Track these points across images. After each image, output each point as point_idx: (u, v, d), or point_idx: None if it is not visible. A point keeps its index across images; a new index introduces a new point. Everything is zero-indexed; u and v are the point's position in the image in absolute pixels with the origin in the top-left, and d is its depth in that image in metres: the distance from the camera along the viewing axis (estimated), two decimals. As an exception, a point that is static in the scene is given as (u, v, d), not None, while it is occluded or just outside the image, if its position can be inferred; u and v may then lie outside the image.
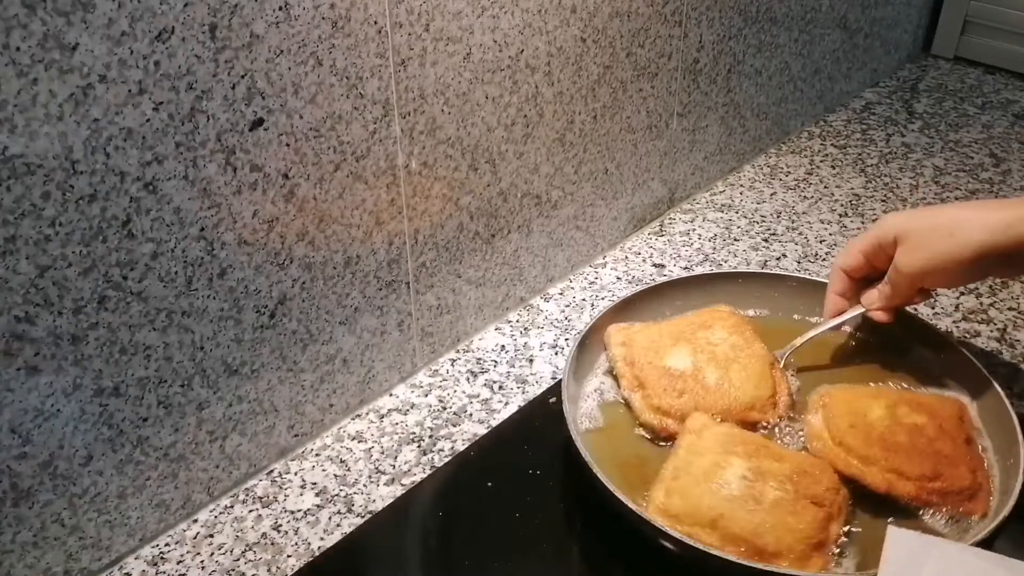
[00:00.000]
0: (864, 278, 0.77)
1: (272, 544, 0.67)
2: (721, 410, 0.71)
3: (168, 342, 0.62)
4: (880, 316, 0.75)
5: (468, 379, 0.82)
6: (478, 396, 0.81)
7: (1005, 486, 0.66)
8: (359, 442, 0.76)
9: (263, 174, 0.62)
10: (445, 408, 0.79)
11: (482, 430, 0.77)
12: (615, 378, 0.76)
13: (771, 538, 0.60)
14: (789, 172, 1.17)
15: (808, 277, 0.87)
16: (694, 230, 1.05)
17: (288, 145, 0.63)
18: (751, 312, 0.84)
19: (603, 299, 0.93)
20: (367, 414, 0.79)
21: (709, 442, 0.67)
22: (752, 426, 0.72)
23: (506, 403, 0.80)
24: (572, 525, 0.69)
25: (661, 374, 0.73)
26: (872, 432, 0.68)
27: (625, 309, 0.81)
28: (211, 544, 0.67)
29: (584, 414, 0.74)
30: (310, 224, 0.67)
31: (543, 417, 0.77)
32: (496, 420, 0.78)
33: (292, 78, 0.61)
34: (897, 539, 0.59)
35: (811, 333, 0.78)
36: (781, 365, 0.77)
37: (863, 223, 1.06)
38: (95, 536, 0.63)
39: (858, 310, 0.77)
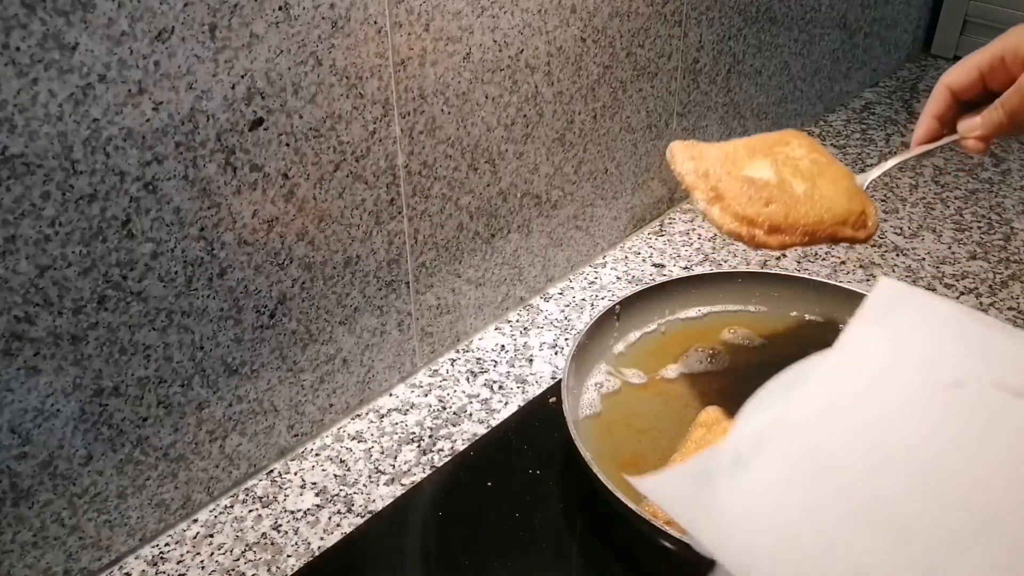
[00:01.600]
0: (969, 101, 0.67)
1: (272, 544, 0.67)
2: (813, 222, 0.65)
3: (168, 342, 0.62)
4: (977, 146, 0.67)
5: (468, 379, 0.82)
6: (478, 396, 0.81)
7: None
8: (359, 442, 0.76)
9: (263, 174, 0.62)
10: (445, 408, 0.79)
11: (482, 430, 0.77)
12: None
13: None
14: (789, 172, 1.17)
15: (808, 277, 0.87)
16: (694, 230, 1.05)
17: (288, 145, 0.63)
18: (751, 309, 0.85)
19: (603, 299, 0.93)
20: (367, 414, 0.79)
21: (718, 437, 0.67)
22: (842, 243, 0.69)
23: (506, 403, 0.80)
24: (572, 525, 0.69)
25: (742, 183, 0.65)
26: None
27: (625, 309, 0.81)
28: (211, 544, 0.67)
29: (584, 404, 0.74)
30: (310, 224, 0.67)
31: (543, 417, 0.77)
32: (496, 420, 0.78)
33: (292, 78, 0.61)
34: (885, 285, 0.60)
35: (896, 159, 0.73)
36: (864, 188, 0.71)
37: (863, 223, 1.06)
38: (95, 536, 0.63)
39: (950, 138, 0.69)
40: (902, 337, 0.60)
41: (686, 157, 0.68)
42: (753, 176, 0.66)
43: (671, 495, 0.54)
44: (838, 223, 0.66)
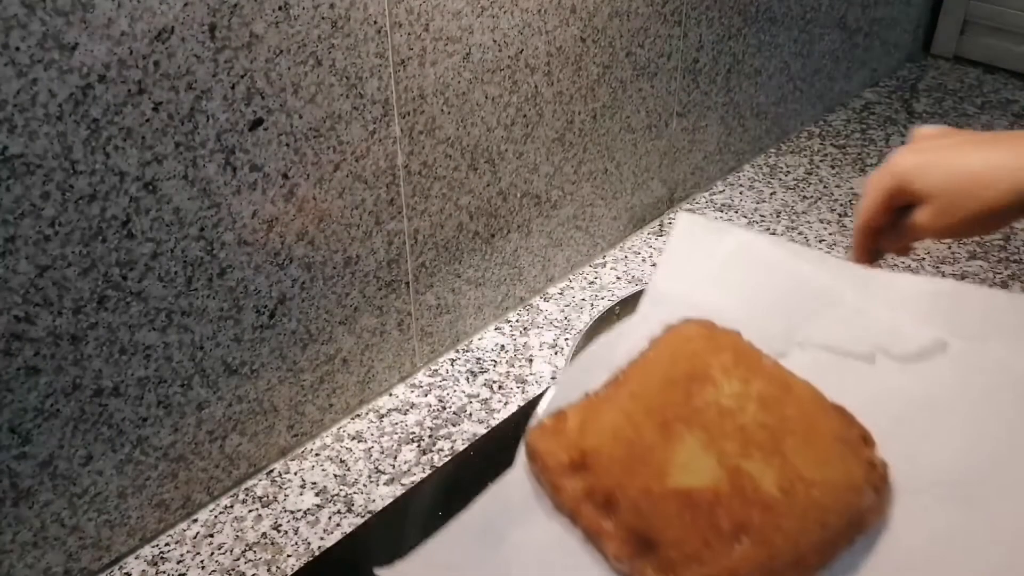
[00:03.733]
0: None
1: (272, 544, 0.67)
2: (815, 539, 0.39)
3: (168, 342, 0.62)
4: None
5: (468, 379, 0.82)
6: (478, 396, 0.81)
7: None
8: (359, 442, 0.76)
9: (263, 174, 0.62)
10: (445, 408, 0.79)
11: (482, 430, 0.77)
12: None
13: None
14: (789, 172, 1.17)
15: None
16: (694, 230, 1.05)
17: (288, 145, 0.63)
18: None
19: (603, 299, 0.93)
20: (367, 414, 0.79)
21: None
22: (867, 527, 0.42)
23: (506, 403, 0.80)
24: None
25: (680, 510, 0.39)
26: None
27: (625, 309, 0.81)
28: (211, 544, 0.67)
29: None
30: (310, 224, 0.67)
31: (543, 417, 0.77)
32: (496, 420, 0.78)
33: (292, 78, 0.61)
34: (685, 219, 0.60)
35: None
36: None
37: (863, 223, 1.06)
38: (95, 536, 0.63)
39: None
40: (697, 290, 0.57)
41: (563, 464, 0.41)
42: (688, 486, 0.39)
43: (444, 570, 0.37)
44: (851, 517, 0.40)
